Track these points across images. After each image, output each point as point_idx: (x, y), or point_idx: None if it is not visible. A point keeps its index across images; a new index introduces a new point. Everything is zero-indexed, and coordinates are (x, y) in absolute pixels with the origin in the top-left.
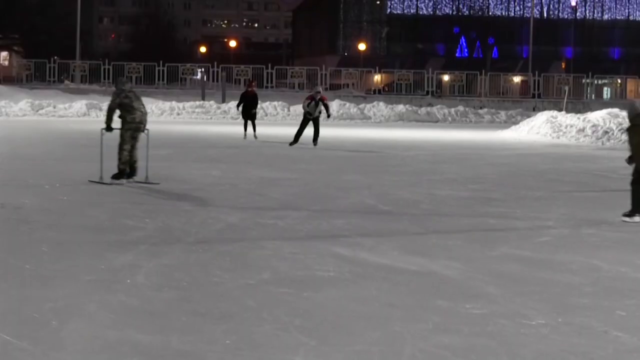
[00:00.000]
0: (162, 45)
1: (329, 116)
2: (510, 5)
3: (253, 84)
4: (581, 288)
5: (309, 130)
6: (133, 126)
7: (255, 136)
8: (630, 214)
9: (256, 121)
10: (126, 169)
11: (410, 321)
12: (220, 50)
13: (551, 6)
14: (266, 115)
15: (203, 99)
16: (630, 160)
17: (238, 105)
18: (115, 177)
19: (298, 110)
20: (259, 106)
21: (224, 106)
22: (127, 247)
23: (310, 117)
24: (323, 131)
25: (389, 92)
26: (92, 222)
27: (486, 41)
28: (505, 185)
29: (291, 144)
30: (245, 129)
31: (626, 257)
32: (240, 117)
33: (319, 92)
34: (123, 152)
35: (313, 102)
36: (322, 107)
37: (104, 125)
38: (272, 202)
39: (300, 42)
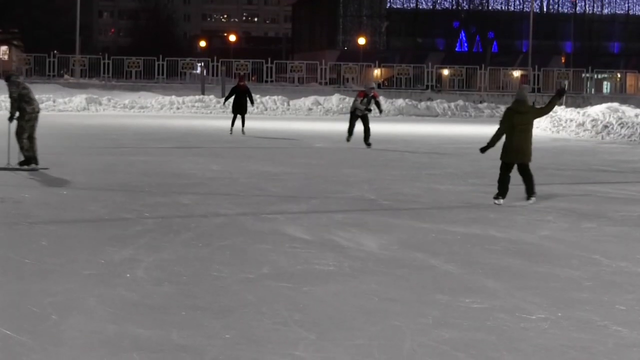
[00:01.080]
0: (161, 40)
1: (380, 112)
2: (510, 0)
3: (243, 78)
4: (581, 282)
5: (326, 126)
6: (33, 116)
7: (243, 132)
8: (496, 196)
9: (255, 114)
10: (35, 155)
11: (410, 315)
12: (219, 44)
13: (551, 0)
14: (266, 109)
15: (203, 93)
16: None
17: (227, 99)
18: (23, 163)
19: (297, 104)
20: (257, 100)
21: (231, 100)
22: (126, 241)
23: (359, 114)
24: (324, 125)
25: (388, 86)
26: (92, 216)
27: (486, 35)
28: None
29: (348, 139)
30: (233, 124)
31: (626, 252)
32: (230, 110)
33: (373, 89)
34: (23, 140)
35: (365, 99)
36: (374, 105)
37: (101, 120)
38: (272, 196)
39: (300, 37)
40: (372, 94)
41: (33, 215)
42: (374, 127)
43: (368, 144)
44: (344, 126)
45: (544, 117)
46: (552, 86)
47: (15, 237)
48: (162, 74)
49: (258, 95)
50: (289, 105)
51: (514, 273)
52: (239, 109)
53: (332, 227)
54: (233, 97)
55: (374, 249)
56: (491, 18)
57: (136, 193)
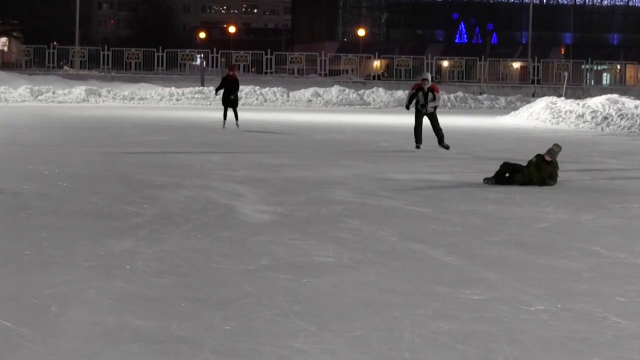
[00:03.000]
0: (161, 31)
1: (435, 107)
2: None
3: (235, 67)
4: (580, 274)
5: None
6: None
7: (237, 125)
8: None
9: (255, 106)
10: None
11: (409, 307)
12: (219, 36)
13: None
14: (265, 101)
15: (202, 84)
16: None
17: (217, 90)
18: None
19: (297, 96)
20: (240, 93)
21: (222, 92)
22: (126, 233)
23: (424, 112)
24: (323, 117)
25: (388, 78)
26: (92, 208)
27: (485, 27)
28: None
29: (417, 146)
30: (225, 117)
31: (625, 243)
32: (221, 103)
33: (427, 80)
34: None
35: (421, 93)
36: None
37: (100, 112)
38: (272, 188)
39: (299, 28)
40: (427, 86)
41: (32, 206)
42: (371, 118)
43: (445, 146)
44: (343, 117)
45: (543, 108)
46: (552, 78)
47: (15, 228)
48: (162, 66)
49: (257, 87)
50: (288, 96)
51: (513, 264)
52: (229, 101)
53: (331, 219)
54: (223, 88)
55: (373, 241)
56: (491, 9)
57: (136, 185)
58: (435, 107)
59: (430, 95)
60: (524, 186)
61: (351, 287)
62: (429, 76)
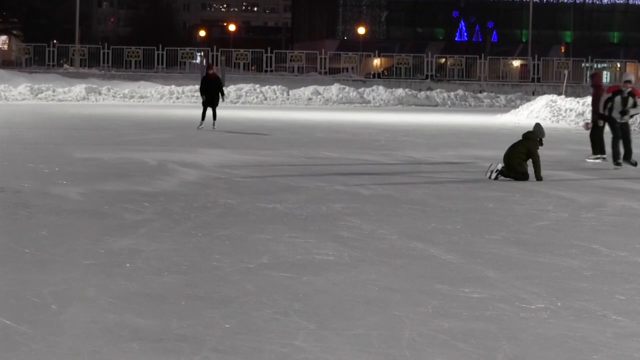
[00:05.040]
0: (161, 29)
1: (632, 116)
2: None
3: (212, 66)
4: (580, 272)
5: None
6: None
7: (213, 125)
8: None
9: (255, 104)
10: None
11: (409, 305)
12: (219, 34)
13: None
14: (265, 99)
15: None
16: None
17: (202, 92)
18: None
19: (297, 94)
20: (240, 91)
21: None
22: (126, 231)
23: (619, 122)
24: (323, 115)
25: (388, 76)
26: (92, 206)
27: (486, 25)
28: None
29: (618, 163)
30: (203, 117)
31: (625, 241)
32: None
33: (630, 82)
34: None
35: (619, 98)
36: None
37: (100, 110)
38: (272, 186)
39: (299, 26)
40: (628, 90)
41: (33, 205)
42: (371, 116)
43: (633, 163)
44: (343, 115)
45: (543, 106)
46: (552, 76)
47: (15, 227)
48: (162, 64)
49: (257, 85)
50: (288, 95)
51: (513, 263)
52: (208, 101)
53: (331, 217)
54: (206, 89)
55: (373, 239)
56: (491, 7)
57: (136, 183)
58: (632, 115)
59: (631, 100)
60: (519, 181)
61: (351, 286)
62: (632, 78)
